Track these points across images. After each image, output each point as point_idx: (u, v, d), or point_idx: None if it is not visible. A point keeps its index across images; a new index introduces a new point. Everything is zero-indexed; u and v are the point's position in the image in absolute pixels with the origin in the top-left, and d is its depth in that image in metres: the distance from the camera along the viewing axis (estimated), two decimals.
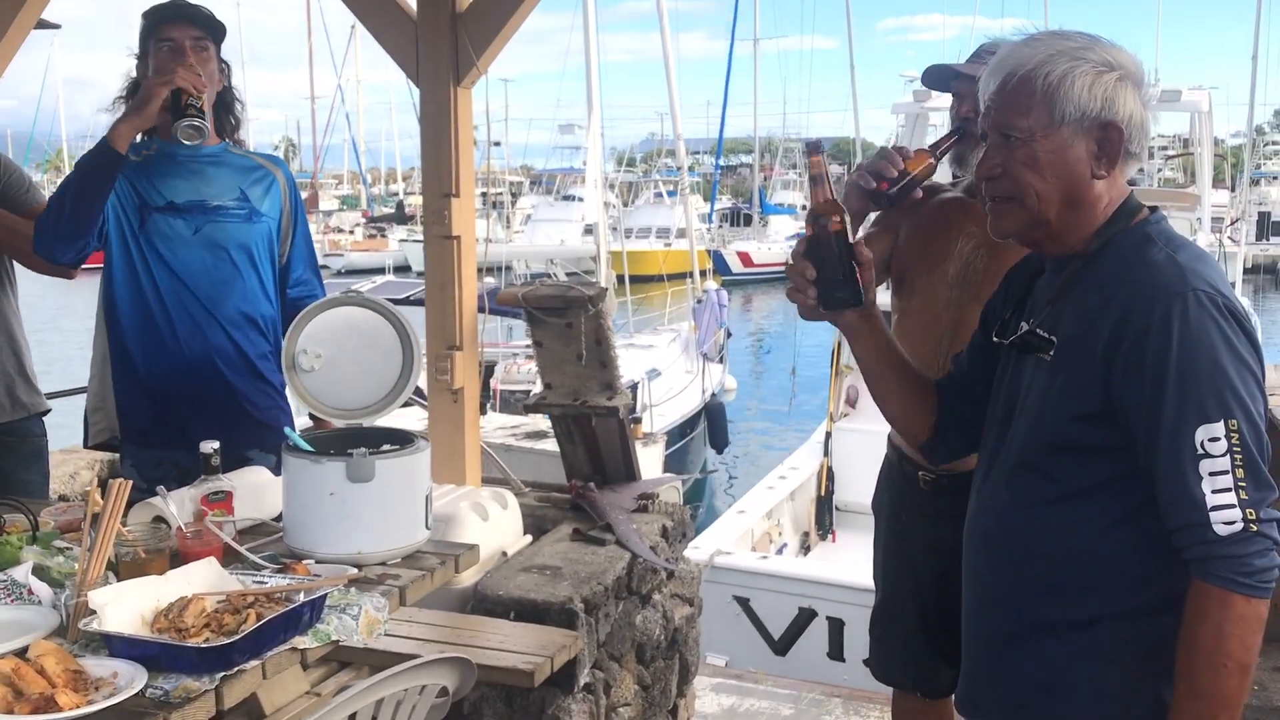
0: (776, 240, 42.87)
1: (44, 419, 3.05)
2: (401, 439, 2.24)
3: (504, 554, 3.23)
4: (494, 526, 3.24)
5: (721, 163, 45.57)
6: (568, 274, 17.59)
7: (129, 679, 1.59)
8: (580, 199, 32.39)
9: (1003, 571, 1.65)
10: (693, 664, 3.64)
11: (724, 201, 49.49)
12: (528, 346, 13.20)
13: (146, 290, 2.70)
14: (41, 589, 1.85)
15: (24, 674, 1.55)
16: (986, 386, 1.76)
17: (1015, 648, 1.64)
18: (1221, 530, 1.42)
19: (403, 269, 34.09)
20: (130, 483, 1.89)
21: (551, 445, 6.62)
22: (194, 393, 2.67)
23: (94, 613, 1.69)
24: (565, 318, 3.63)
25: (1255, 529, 1.42)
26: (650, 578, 3.34)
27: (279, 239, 2.81)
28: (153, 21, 2.77)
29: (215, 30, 2.80)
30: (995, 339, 1.70)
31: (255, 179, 2.76)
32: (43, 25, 4.28)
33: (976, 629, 1.73)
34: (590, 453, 3.82)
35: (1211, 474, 1.42)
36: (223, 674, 1.63)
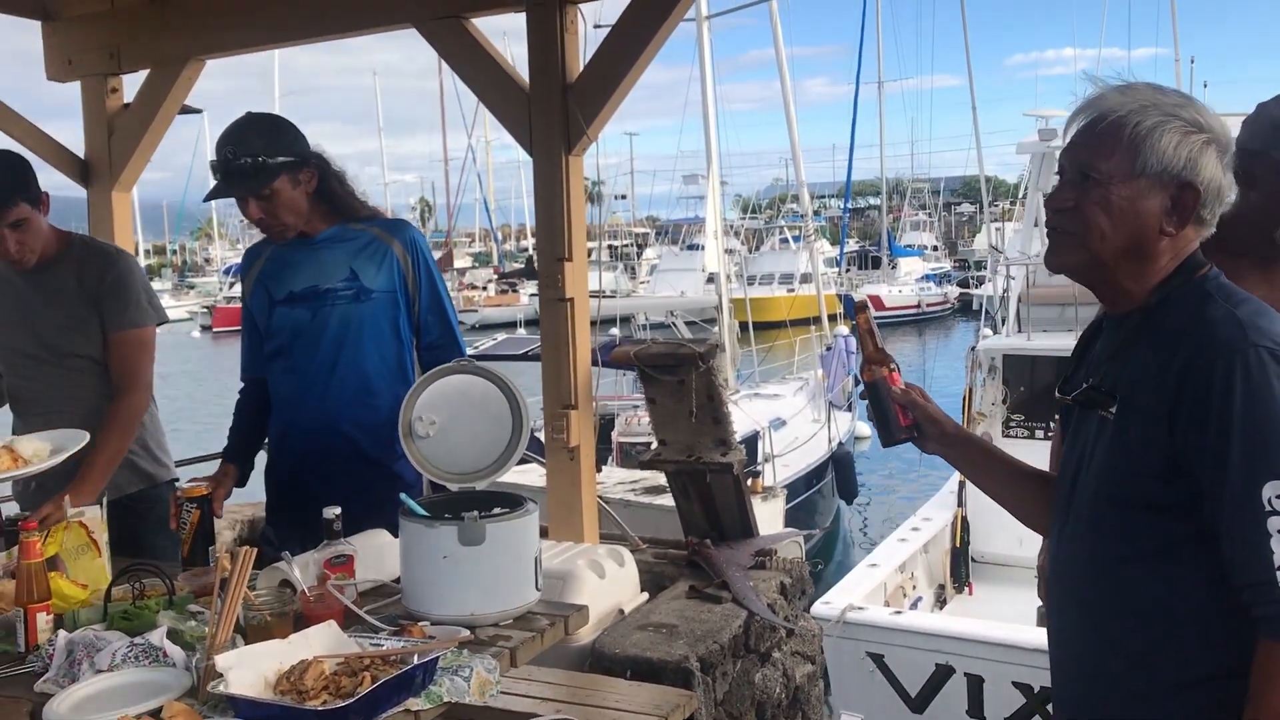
0: (906, 282, 42.31)
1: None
2: (511, 502, 2.30)
3: (621, 611, 3.26)
4: (611, 583, 3.28)
5: (849, 206, 45.22)
6: (688, 323, 17.66)
7: None
8: (703, 248, 32.67)
9: (1086, 635, 1.62)
10: None
11: (852, 245, 49.09)
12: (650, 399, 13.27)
13: (279, 376, 2.91)
14: (175, 652, 1.96)
15: None
16: None
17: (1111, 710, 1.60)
18: None
19: (533, 323, 34.72)
20: (255, 550, 1.99)
21: (670, 500, 6.64)
22: (321, 467, 2.83)
23: (221, 675, 1.79)
24: (677, 374, 3.67)
25: None
26: (769, 635, 3.33)
27: (404, 307, 2.90)
28: None
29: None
30: (1058, 396, 1.68)
31: (368, 254, 2.87)
32: (186, 110, 4.58)
33: (1070, 693, 1.69)
34: (706, 509, 3.84)
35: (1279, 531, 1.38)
36: None
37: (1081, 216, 1.56)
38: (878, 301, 39.39)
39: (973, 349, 10.31)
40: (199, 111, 4.74)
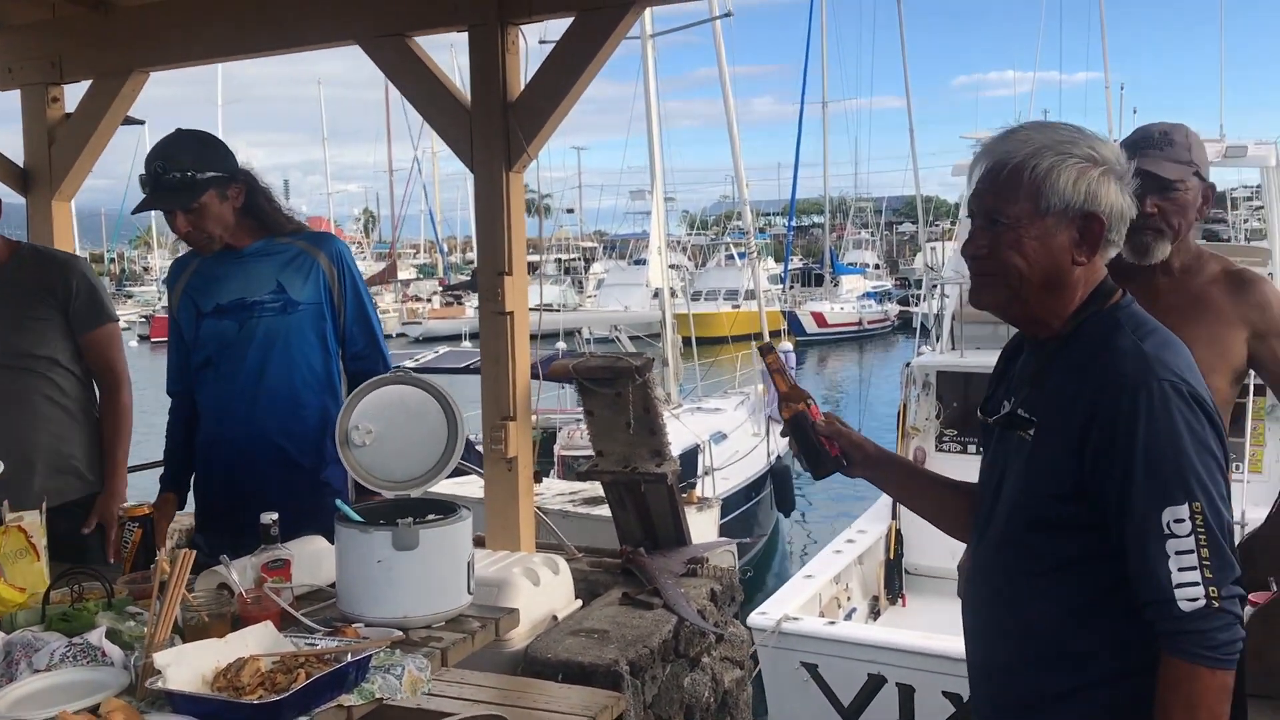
0: (849, 300, 42.81)
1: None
2: (445, 509, 2.38)
3: (555, 618, 3.34)
4: (545, 591, 3.36)
5: (793, 223, 45.67)
6: (632, 338, 17.77)
7: None
8: (648, 262, 32.77)
9: (997, 638, 1.73)
10: None
11: (796, 262, 49.58)
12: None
13: (206, 388, 2.99)
14: (114, 651, 2.01)
15: None
16: None
17: (1023, 714, 1.71)
18: (1186, 607, 1.49)
19: (478, 335, 34.65)
20: (193, 553, 2.05)
21: (608, 511, 6.72)
22: (250, 475, 2.90)
23: (159, 673, 1.85)
24: (615, 387, 3.77)
25: (1218, 605, 1.49)
26: (698, 640, 3.43)
27: (330, 318, 2.97)
28: None
29: None
30: (980, 416, 1.79)
31: (294, 267, 2.94)
32: (129, 122, 4.60)
33: (983, 691, 1.80)
34: (641, 518, 3.93)
35: (1178, 553, 1.50)
36: None
37: (996, 260, 1.66)
38: (820, 318, 39.85)
39: (908, 365, 10.52)
40: (141, 123, 4.77)
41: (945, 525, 1.98)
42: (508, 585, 3.18)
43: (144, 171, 2.84)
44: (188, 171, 2.79)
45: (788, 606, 7.49)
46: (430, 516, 2.32)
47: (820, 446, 1.91)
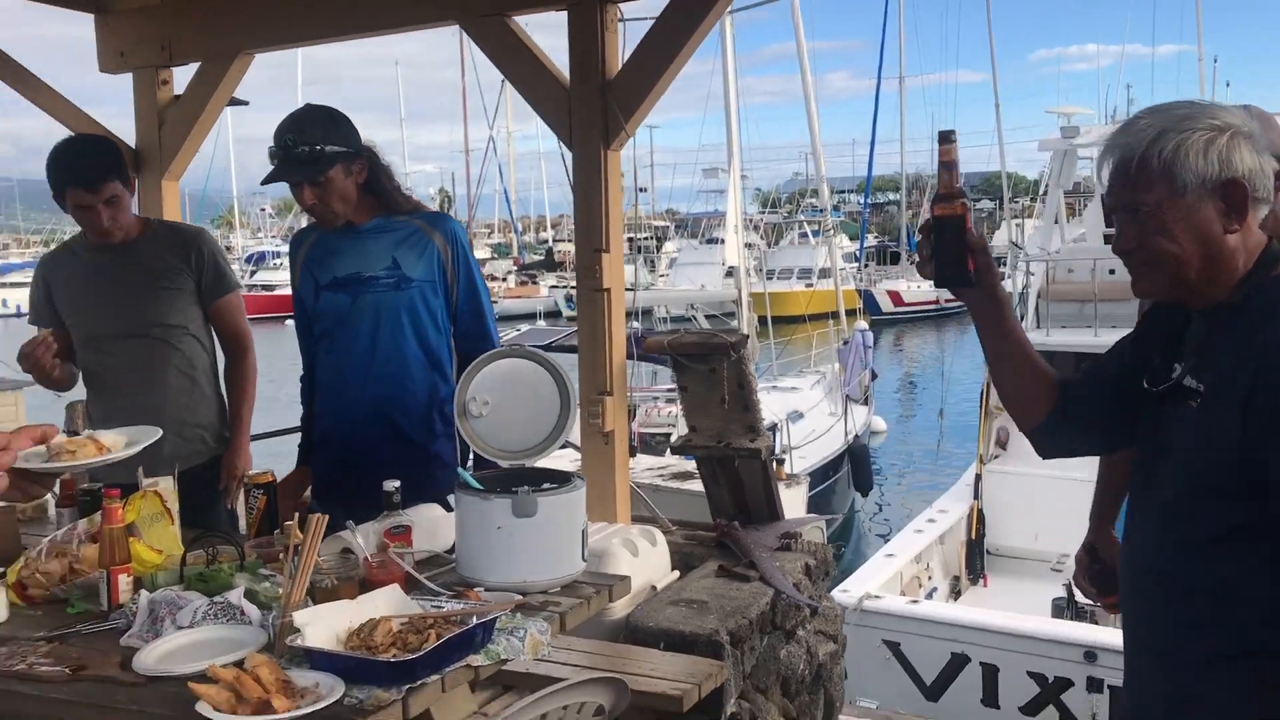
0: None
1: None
2: (560, 478, 2.44)
3: (653, 588, 3.40)
4: (643, 561, 3.42)
5: (869, 201, 45.17)
6: (708, 317, 17.78)
7: (329, 688, 1.82)
8: (723, 241, 32.66)
9: (1162, 607, 1.73)
10: (837, 700, 3.73)
11: (871, 240, 49.03)
12: (669, 390, 13.38)
13: (322, 359, 3.08)
14: (252, 610, 2.11)
15: (244, 682, 1.79)
16: (1105, 407, 1.86)
17: (1186, 683, 1.71)
18: None
19: (553, 314, 34.88)
20: (326, 518, 2.13)
21: (696, 486, 6.75)
22: (364, 448, 2.98)
23: (297, 631, 1.93)
24: (709, 363, 3.81)
25: None
26: (794, 614, 3.46)
27: (442, 295, 3.03)
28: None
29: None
30: (1146, 386, 1.77)
31: (410, 245, 3.00)
32: (234, 103, 4.73)
33: (1140, 665, 1.80)
34: (734, 493, 3.97)
35: None
36: (408, 686, 1.85)
37: (1147, 250, 1.65)
38: (896, 297, 39.41)
39: None
40: (245, 104, 4.89)
41: (1013, 392, 1.95)
42: (608, 555, 3.24)
43: (273, 144, 2.90)
44: (316, 145, 2.85)
45: (869, 585, 7.49)
46: (546, 485, 2.39)
47: (961, 254, 1.81)
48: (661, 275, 36.17)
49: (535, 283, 45.25)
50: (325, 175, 2.88)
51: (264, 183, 2.93)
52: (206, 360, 3.29)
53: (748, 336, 3.89)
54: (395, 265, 2.97)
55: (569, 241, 55.71)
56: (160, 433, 2.08)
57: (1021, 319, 10.93)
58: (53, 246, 3.65)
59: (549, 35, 3.93)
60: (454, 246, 3.02)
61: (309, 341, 3.15)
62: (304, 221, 3.31)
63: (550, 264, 49.13)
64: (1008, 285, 13.73)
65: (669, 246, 43.68)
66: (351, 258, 3.01)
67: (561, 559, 2.36)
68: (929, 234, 1.85)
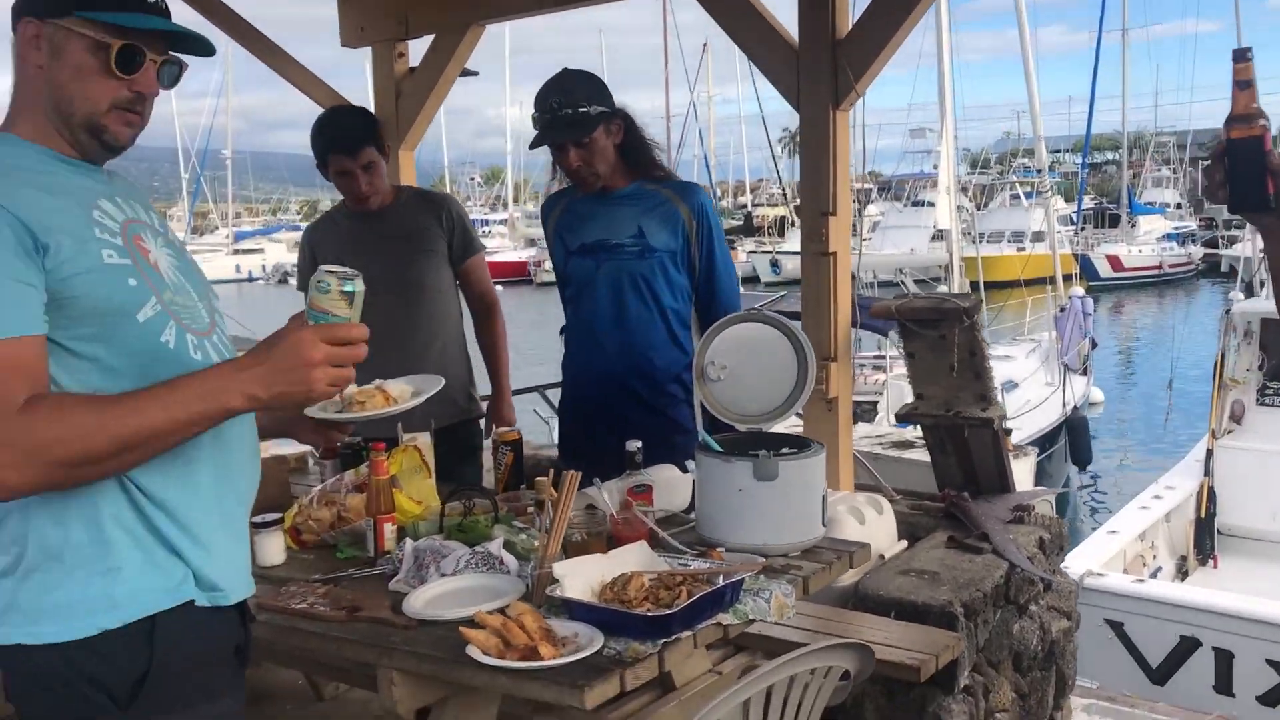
0: (1147, 242, 39.92)
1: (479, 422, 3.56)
2: (799, 444, 2.44)
3: (880, 557, 3.37)
4: (870, 529, 3.38)
5: (1087, 160, 42.93)
6: (916, 282, 17.35)
7: (589, 639, 1.89)
8: (930, 204, 31.67)
9: None
10: (1069, 678, 3.61)
11: (1088, 202, 46.63)
12: (876, 356, 13.12)
13: (570, 322, 3.17)
14: (510, 560, 2.21)
15: (510, 629, 1.88)
16: None
17: None
18: None
19: (750, 280, 34.73)
20: (579, 475, 2.20)
21: (917, 455, 6.63)
22: (605, 412, 3.05)
23: (556, 582, 2.01)
24: (939, 329, 3.72)
25: None
26: (1027, 588, 3.37)
27: (684, 266, 3.04)
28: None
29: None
30: None
31: (657, 215, 3.02)
32: (465, 73, 4.89)
33: None
34: (963, 463, 3.88)
35: None
36: (664, 640, 1.90)
37: None
38: (1116, 262, 37.42)
39: (1227, 312, 9.76)
40: (475, 74, 5.05)
41: None
42: (835, 522, 3.22)
43: (536, 110, 2.96)
44: (580, 106, 2.89)
45: (1091, 562, 7.19)
46: (785, 450, 2.39)
47: (1261, 177, 1.71)
48: (865, 239, 35.48)
49: (734, 248, 45.14)
50: (590, 136, 2.92)
51: (532, 146, 2.99)
52: (457, 321, 3.45)
53: (981, 301, 3.77)
54: (640, 234, 3.00)
55: (768, 206, 55.39)
56: (443, 382, 2.17)
57: (1260, 286, 10.24)
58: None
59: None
60: (700, 219, 3.02)
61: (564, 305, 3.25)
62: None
63: (749, 229, 48.93)
64: (1239, 250, 12.80)
65: (872, 209, 42.78)
66: (598, 224, 3.05)
67: (802, 523, 2.36)
68: (1222, 157, 1.73)
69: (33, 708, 1.58)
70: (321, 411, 1.94)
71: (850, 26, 3.62)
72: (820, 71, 3.61)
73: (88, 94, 1.58)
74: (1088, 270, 29.48)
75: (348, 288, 1.54)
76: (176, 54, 1.66)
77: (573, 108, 2.90)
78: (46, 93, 1.59)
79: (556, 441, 3.34)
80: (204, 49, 1.69)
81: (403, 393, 2.10)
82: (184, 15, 4.00)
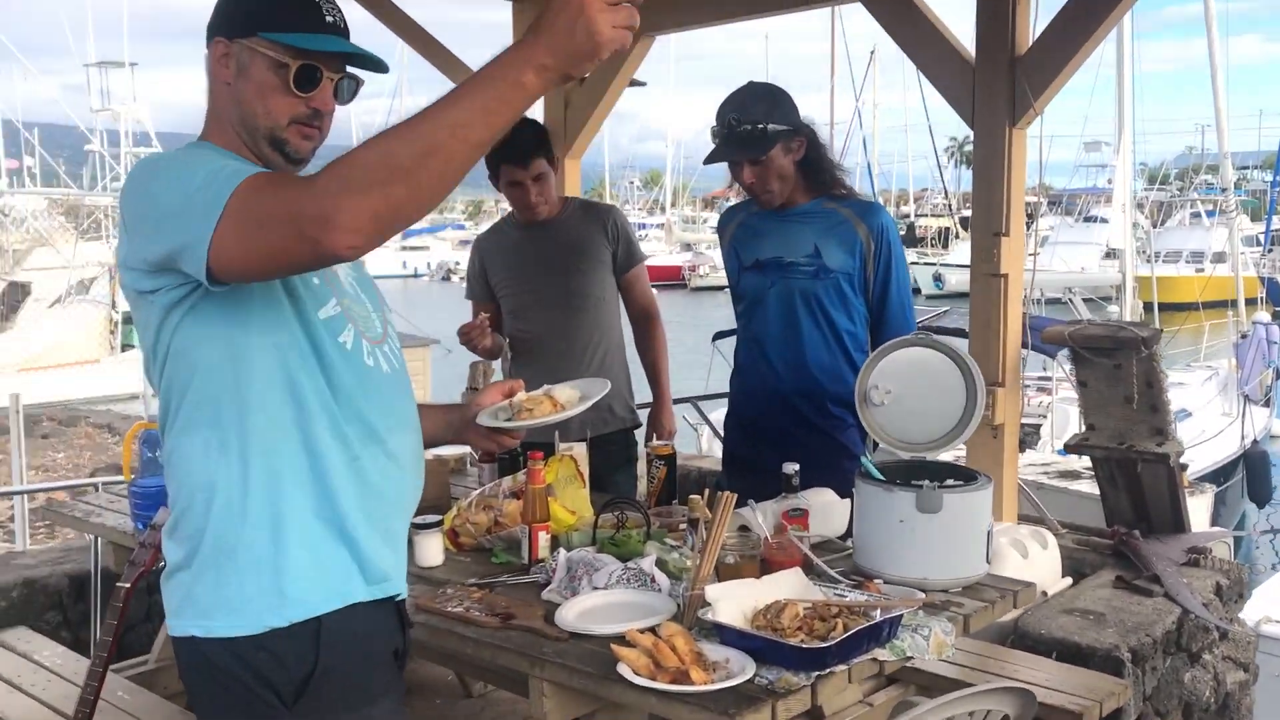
0: None
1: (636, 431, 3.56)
2: (964, 474, 2.36)
3: (1043, 594, 3.24)
4: (1033, 565, 3.25)
5: (1279, 179, 40.55)
6: (1085, 300, 16.65)
7: (740, 666, 1.86)
8: (1103, 220, 30.33)
9: None
10: None
11: (1278, 222, 43.99)
12: (1040, 379, 12.64)
13: (741, 336, 3.13)
14: (662, 579, 2.20)
15: (661, 649, 1.87)
16: None
17: None
18: None
19: (911, 292, 34.00)
20: (734, 496, 2.18)
21: (1085, 486, 6.35)
22: (770, 431, 3.00)
23: (708, 605, 1.99)
24: (1114, 359, 3.56)
25: None
26: (1201, 636, 3.19)
27: (860, 288, 2.97)
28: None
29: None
30: None
31: (835, 234, 2.95)
32: (633, 84, 4.93)
33: None
34: (1134, 499, 3.70)
35: None
36: (817, 673, 1.86)
37: None
38: None
39: None
40: (643, 84, 5.08)
41: None
42: (996, 555, 3.10)
43: (715, 124, 2.93)
44: (759, 124, 2.84)
45: (1271, 609, 6.77)
46: (949, 481, 2.32)
47: None
48: (1032, 254, 34.30)
49: None
50: (766, 154, 2.88)
51: (707, 162, 2.96)
52: (618, 332, 3.46)
53: (1160, 331, 3.59)
54: (816, 253, 2.93)
55: (931, 216, 54.06)
56: (609, 386, 2.14)
57: None
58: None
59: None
60: (879, 240, 2.94)
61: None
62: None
63: (911, 239, 47.93)
64: None
65: (1042, 224, 41.37)
66: (774, 241, 3.00)
67: (964, 559, 2.28)
68: None
69: (202, 696, 1.65)
70: (493, 419, 1.95)
71: (1031, 42, 3.50)
72: (997, 88, 3.50)
73: (269, 110, 1.65)
74: (1274, 295, 27.78)
75: None
76: (353, 71, 1.72)
77: (750, 124, 2.84)
78: (234, 107, 1.66)
79: (713, 452, 3.31)
80: (378, 67, 1.73)
81: (570, 398, 2.06)
82: (358, 16, 4.14)
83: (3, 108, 34.26)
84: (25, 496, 6.25)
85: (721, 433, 3.46)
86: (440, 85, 4.89)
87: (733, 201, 3.22)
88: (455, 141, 1.36)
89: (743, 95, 2.93)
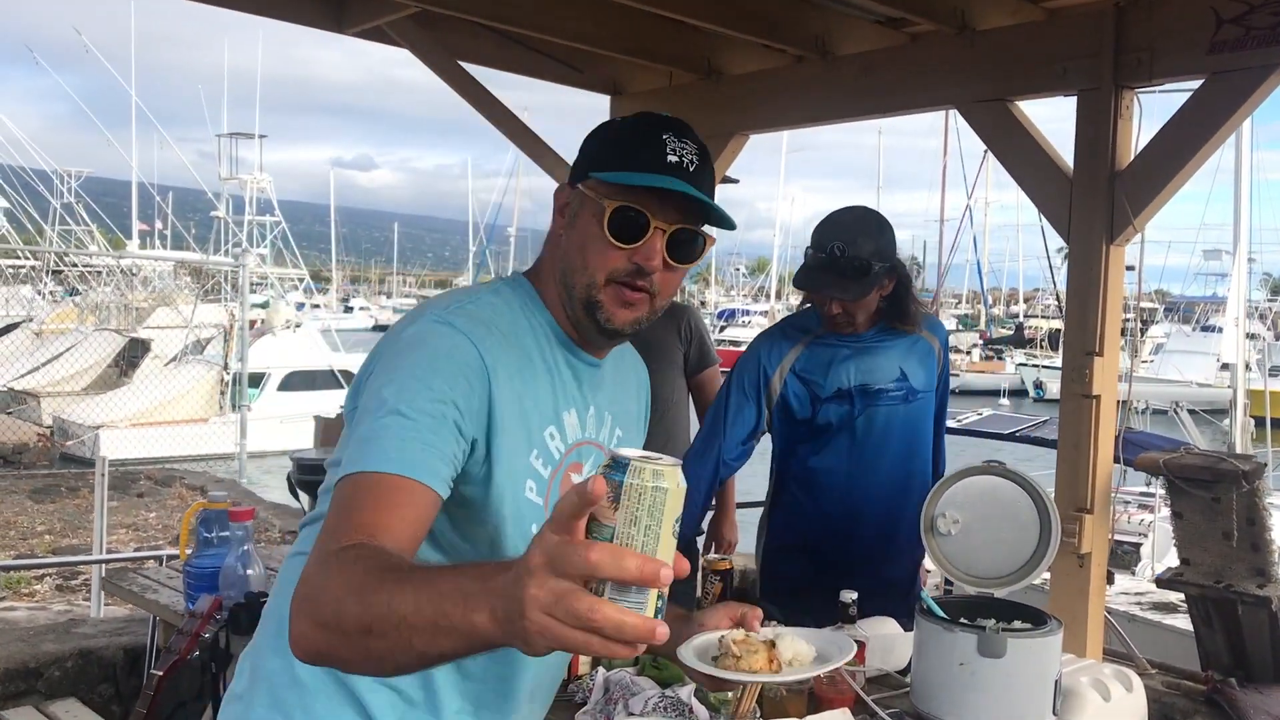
0: None
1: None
2: (1033, 617, 2.21)
3: None
4: (1115, 709, 3.02)
5: None
6: (1190, 412, 16.02)
7: None
8: (1220, 330, 29.36)
9: None
10: None
11: None
12: (1141, 494, 12.07)
13: (801, 467, 2.93)
14: (700, 711, 2.09)
15: None
16: None
17: None
18: None
19: (1018, 394, 33.28)
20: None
21: (1180, 621, 6.01)
22: (838, 554, 2.86)
23: None
24: (1213, 491, 3.36)
25: None
26: None
27: (936, 405, 2.89)
28: None
29: None
30: None
31: (916, 354, 2.85)
32: (725, 180, 4.91)
33: None
34: (1232, 643, 3.45)
35: None
36: None
37: None
38: None
39: None
40: (736, 181, 5.05)
41: None
42: (1074, 696, 2.89)
43: (813, 246, 2.74)
44: (866, 259, 2.68)
45: None
46: (1016, 623, 2.17)
47: None
48: (1144, 362, 33.35)
49: (1000, 358, 43.45)
50: (869, 294, 2.73)
51: (799, 285, 2.80)
52: (686, 435, 3.39)
53: (1264, 465, 3.37)
54: (903, 377, 2.83)
55: (1041, 318, 53.01)
56: (853, 650, 1.45)
57: None
58: None
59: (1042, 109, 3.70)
60: (944, 353, 2.87)
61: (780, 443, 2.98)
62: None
63: (1019, 339, 47.02)
64: None
65: (1155, 330, 40.21)
66: (856, 367, 2.84)
67: (1029, 708, 2.13)
68: None
69: None
70: (697, 660, 1.40)
71: (1132, 157, 3.38)
72: (1095, 203, 3.38)
73: (587, 263, 1.43)
74: None
75: (616, 477, 0.98)
76: (689, 227, 1.43)
77: (858, 258, 2.67)
78: (560, 260, 1.47)
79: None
80: (722, 222, 1.45)
81: (799, 656, 1.40)
82: (457, 105, 4.20)
83: (140, 173, 36.14)
84: (101, 565, 6.27)
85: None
86: (531, 163, 4.99)
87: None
88: (397, 635, 1.08)
89: (851, 223, 2.75)
